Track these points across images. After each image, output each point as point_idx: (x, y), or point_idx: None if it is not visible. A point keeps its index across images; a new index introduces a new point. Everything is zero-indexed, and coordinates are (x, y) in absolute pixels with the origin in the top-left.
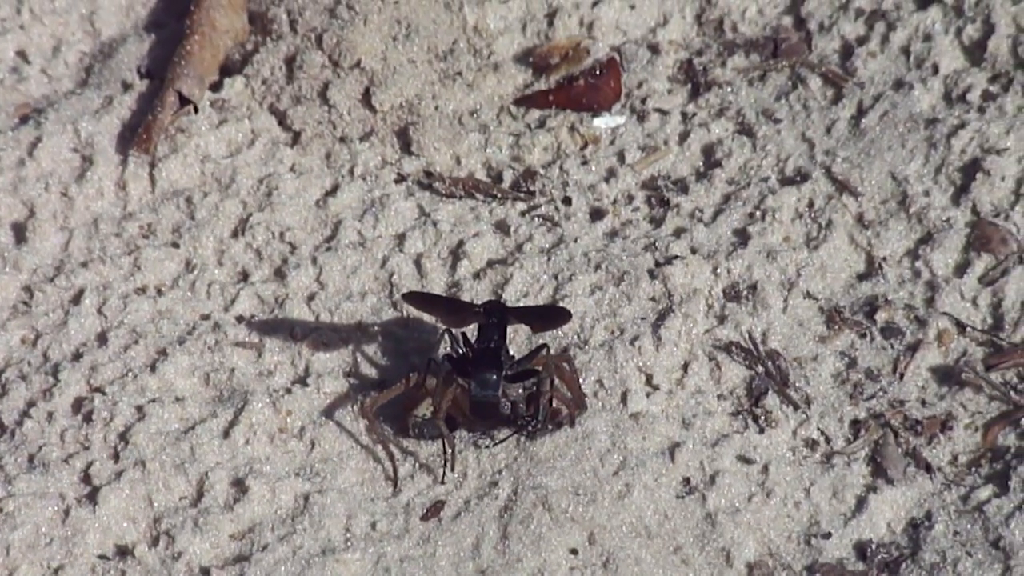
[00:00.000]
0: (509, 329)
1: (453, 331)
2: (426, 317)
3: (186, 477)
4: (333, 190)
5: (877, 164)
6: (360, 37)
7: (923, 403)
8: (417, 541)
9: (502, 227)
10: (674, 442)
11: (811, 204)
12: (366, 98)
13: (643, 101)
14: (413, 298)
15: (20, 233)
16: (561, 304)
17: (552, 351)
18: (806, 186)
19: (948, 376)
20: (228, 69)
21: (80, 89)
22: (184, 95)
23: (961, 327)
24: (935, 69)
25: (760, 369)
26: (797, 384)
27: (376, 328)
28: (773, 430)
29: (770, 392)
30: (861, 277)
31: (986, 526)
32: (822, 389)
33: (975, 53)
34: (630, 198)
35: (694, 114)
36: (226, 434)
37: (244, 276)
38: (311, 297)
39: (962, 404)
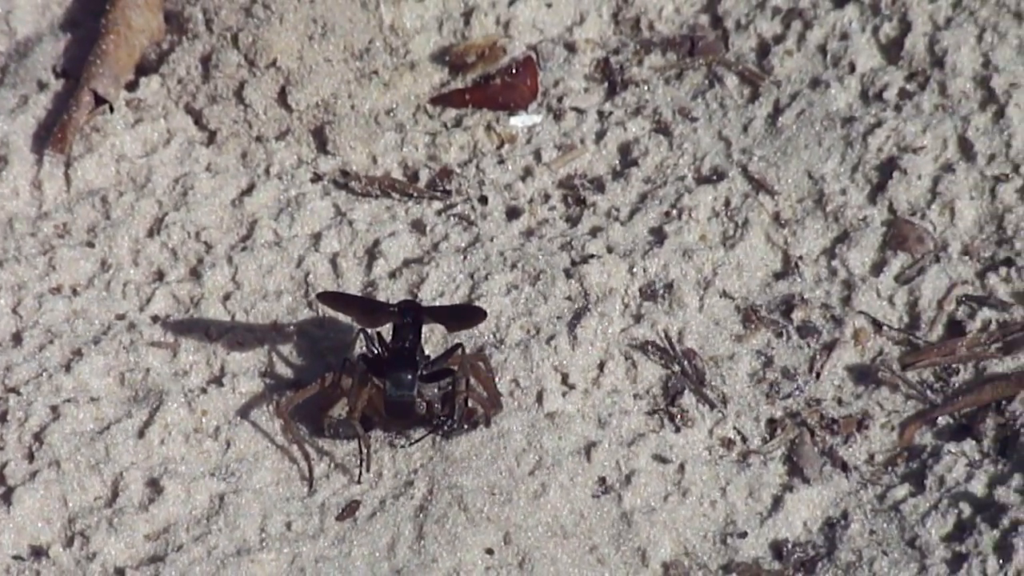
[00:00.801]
0: (425, 328)
1: (368, 331)
2: (341, 317)
3: (101, 477)
4: (249, 189)
5: (794, 163)
6: (276, 36)
7: (839, 402)
8: (332, 541)
9: (418, 226)
10: (590, 441)
11: (727, 203)
12: (282, 97)
13: (559, 100)
14: (327, 298)
15: None
16: (477, 303)
17: (468, 350)
18: (722, 185)
19: (864, 375)
20: (144, 68)
21: None
22: (100, 94)
23: (877, 326)
24: (852, 67)
25: (676, 368)
26: (713, 383)
27: (292, 328)
28: (689, 429)
29: (686, 391)
30: (777, 276)
31: (902, 525)
32: (738, 388)
33: (892, 51)
34: (546, 197)
35: (610, 113)
36: (141, 434)
37: (159, 276)
38: (227, 297)
39: (878, 403)
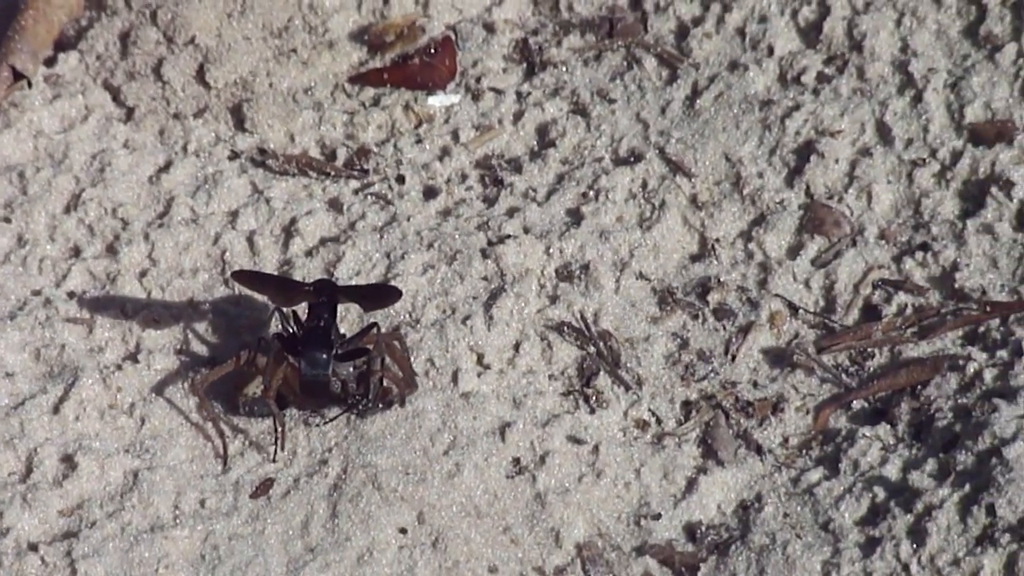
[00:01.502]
0: (341, 307)
1: (283, 309)
2: (257, 295)
3: (15, 453)
4: (166, 166)
5: (711, 145)
6: (195, 13)
7: (755, 385)
8: (246, 519)
9: (335, 205)
10: (505, 422)
11: (645, 185)
12: (200, 75)
13: (478, 80)
14: (243, 277)
15: None
16: (393, 283)
17: (384, 329)
18: (640, 167)
19: (780, 358)
20: (62, 44)
21: None
22: (18, 70)
23: (793, 309)
24: (770, 51)
25: (592, 349)
26: (629, 365)
27: (207, 305)
28: (604, 411)
29: (601, 373)
30: (694, 258)
31: (816, 508)
32: (654, 370)
33: (810, 35)
34: (464, 177)
35: (529, 93)
36: (56, 410)
37: (76, 252)
38: (143, 274)
39: (793, 386)
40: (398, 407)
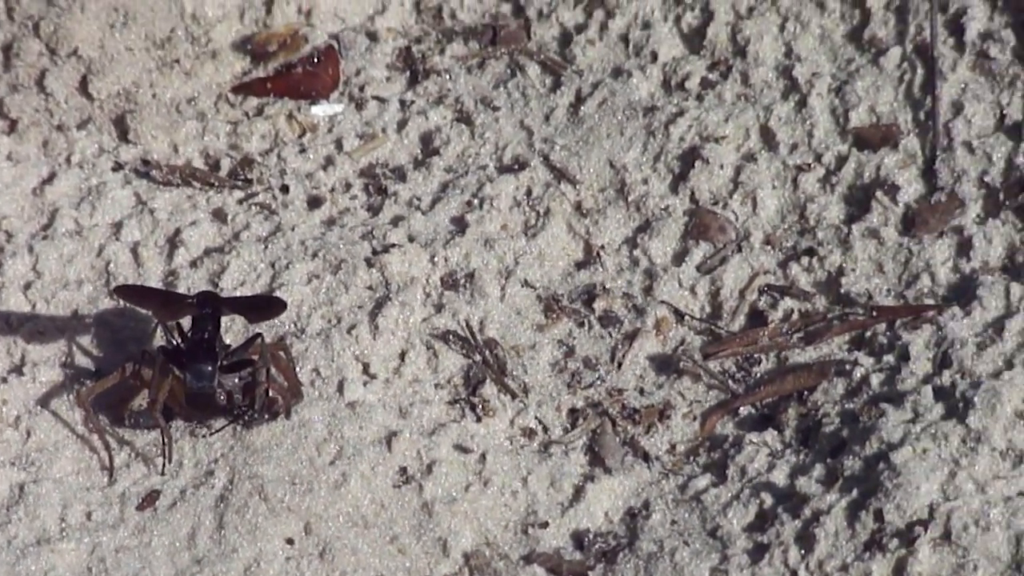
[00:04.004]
0: (225, 317)
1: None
2: (140, 309)
3: None
4: (50, 178)
5: (595, 152)
6: (77, 25)
7: (641, 392)
8: (132, 531)
9: (219, 215)
10: (391, 431)
11: (529, 192)
12: (83, 86)
13: (361, 89)
14: (125, 291)
15: None
16: (278, 292)
17: (268, 340)
18: (524, 174)
19: (666, 365)
20: None
21: None
22: None
23: (679, 315)
24: (654, 57)
25: (477, 358)
26: (515, 373)
27: (92, 317)
28: (490, 419)
29: (488, 381)
30: (579, 265)
31: (703, 515)
32: (540, 378)
33: (694, 40)
34: (348, 186)
35: (412, 102)
36: None
37: None
38: (27, 286)
39: (680, 393)
40: (284, 417)
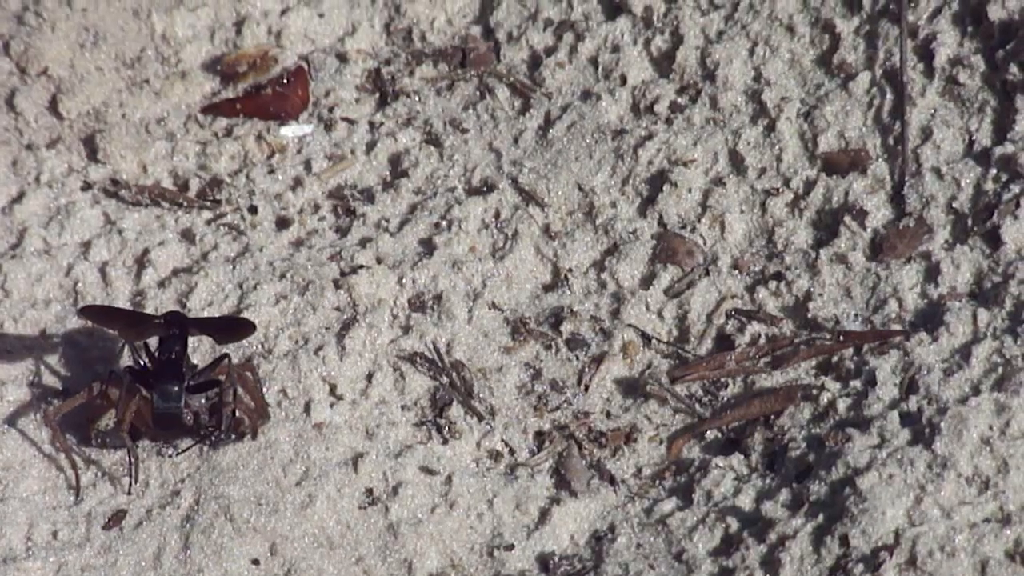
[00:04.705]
0: (192, 338)
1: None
2: (107, 330)
3: None
4: (19, 197)
5: (564, 175)
6: (47, 44)
7: (608, 415)
8: (98, 550)
9: (188, 236)
10: (357, 452)
11: (498, 215)
12: (53, 105)
13: (330, 110)
14: (91, 312)
15: None
16: (245, 313)
17: (236, 360)
18: (493, 196)
19: (633, 388)
20: None
21: None
22: None
23: (646, 339)
24: (623, 80)
25: (444, 380)
26: (481, 395)
27: (60, 336)
28: (457, 441)
29: (454, 403)
30: (547, 288)
31: (669, 539)
32: (507, 400)
33: (663, 64)
34: (316, 207)
35: (381, 123)
36: None
37: None
38: None
39: (647, 416)
40: (250, 438)
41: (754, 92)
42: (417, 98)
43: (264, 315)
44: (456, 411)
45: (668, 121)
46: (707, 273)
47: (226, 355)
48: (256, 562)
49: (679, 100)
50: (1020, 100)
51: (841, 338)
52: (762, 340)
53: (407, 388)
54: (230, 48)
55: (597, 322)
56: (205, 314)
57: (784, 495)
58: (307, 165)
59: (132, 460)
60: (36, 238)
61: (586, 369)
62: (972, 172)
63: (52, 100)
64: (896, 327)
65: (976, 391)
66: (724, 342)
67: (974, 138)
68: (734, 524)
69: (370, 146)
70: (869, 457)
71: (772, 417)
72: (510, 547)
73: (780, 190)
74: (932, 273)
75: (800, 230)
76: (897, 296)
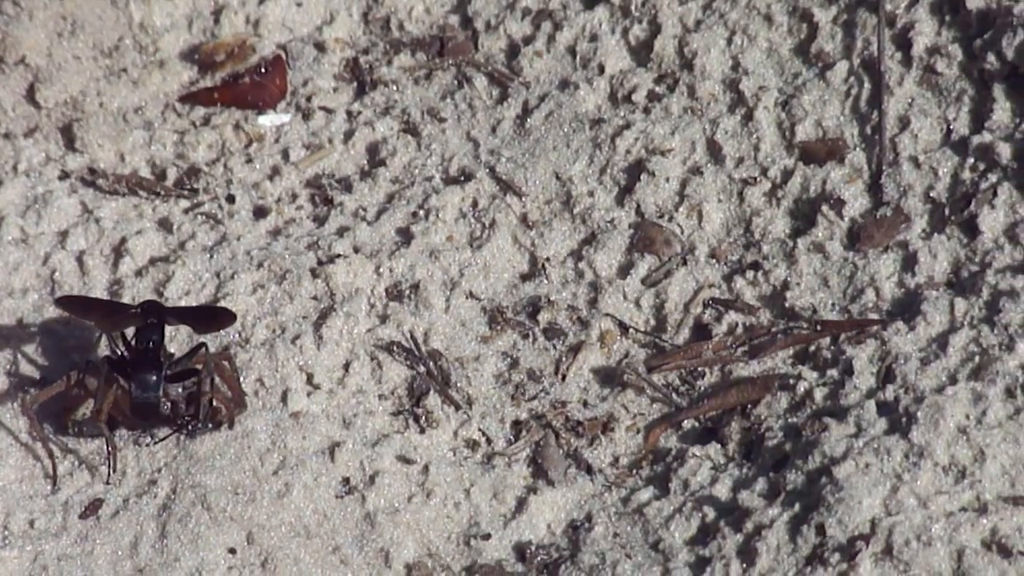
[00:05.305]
0: (170, 327)
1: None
2: (84, 320)
3: None
4: None
5: (542, 164)
6: (25, 33)
7: (585, 404)
8: (75, 539)
9: (165, 225)
10: (334, 441)
11: (475, 204)
12: (30, 94)
13: (308, 99)
14: (67, 303)
15: None
16: (223, 302)
17: (213, 349)
18: (470, 185)
19: (610, 377)
20: None
21: None
22: None
23: (624, 328)
24: (601, 69)
25: (422, 369)
26: (459, 384)
27: (37, 326)
28: (434, 430)
29: (431, 392)
30: (524, 277)
31: (646, 528)
32: (484, 389)
33: (641, 53)
34: (294, 196)
35: (359, 113)
36: None
37: None
38: None
39: (624, 406)
40: (227, 427)
41: (732, 81)
42: (395, 87)
43: (241, 304)
44: (433, 400)
45: (646, 110)
46: (684, 262)
47: (203, 344)
48: (233, 551)
49: (657, 89)
50: (997, 89)
51: (818, 327)
52: (739, 329)
53: (384, 377)
54: (208, 37)
55: (574, 311)
56: (182, 303)
57: (761, 484)
58: (285, 154)
59: (110, 449)
60: (13, 227)
61: (563, 358)
62: (950, 161)
63: (29, 89)
64: (873, 316)
65: (953, 380)
66: (701, 331)
67: (952, 127)
68: (711, 513)
69: (348, 135)
70: (846, 446)
71: (749, 406)
72: (487, 536)
73: (758, 179)
74: (909, 262)
75: (777, 219)
76: (874, 285)
